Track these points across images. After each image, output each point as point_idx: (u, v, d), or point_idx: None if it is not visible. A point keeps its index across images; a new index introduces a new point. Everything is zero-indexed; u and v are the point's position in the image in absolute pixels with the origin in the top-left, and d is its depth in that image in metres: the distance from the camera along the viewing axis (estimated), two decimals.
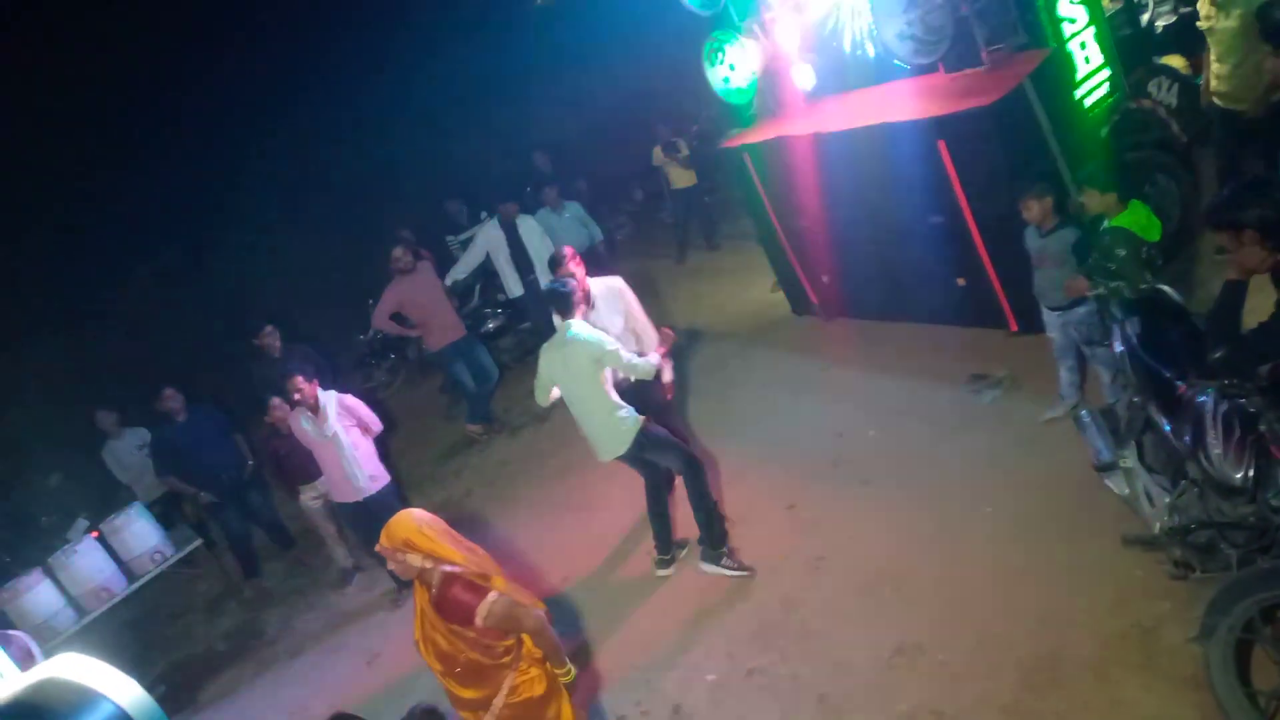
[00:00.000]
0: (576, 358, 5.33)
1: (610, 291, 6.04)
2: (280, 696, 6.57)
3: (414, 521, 3.56)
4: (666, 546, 5.83)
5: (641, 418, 5.47)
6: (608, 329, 5.74)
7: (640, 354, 5.55)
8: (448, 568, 3.47)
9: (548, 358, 5.50)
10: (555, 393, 5.62)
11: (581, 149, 14.13)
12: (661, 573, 5.83)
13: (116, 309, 14.96)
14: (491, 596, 3.46)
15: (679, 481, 5.79)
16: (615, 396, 5.45)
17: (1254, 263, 3.27)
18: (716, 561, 5.59)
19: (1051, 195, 5.09)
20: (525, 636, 3.66)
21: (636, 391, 5.85)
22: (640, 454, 5.51)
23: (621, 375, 5.60)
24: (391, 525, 3.55)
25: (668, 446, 5.55)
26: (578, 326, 5.37)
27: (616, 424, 5.41)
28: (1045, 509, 4.88)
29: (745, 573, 5.52)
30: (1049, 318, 5.39)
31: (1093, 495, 4.57)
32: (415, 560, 3.47)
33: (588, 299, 5.76)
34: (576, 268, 5.86)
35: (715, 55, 7.52)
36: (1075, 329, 5.24)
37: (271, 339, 8.18)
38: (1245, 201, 3.22)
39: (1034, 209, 5.12)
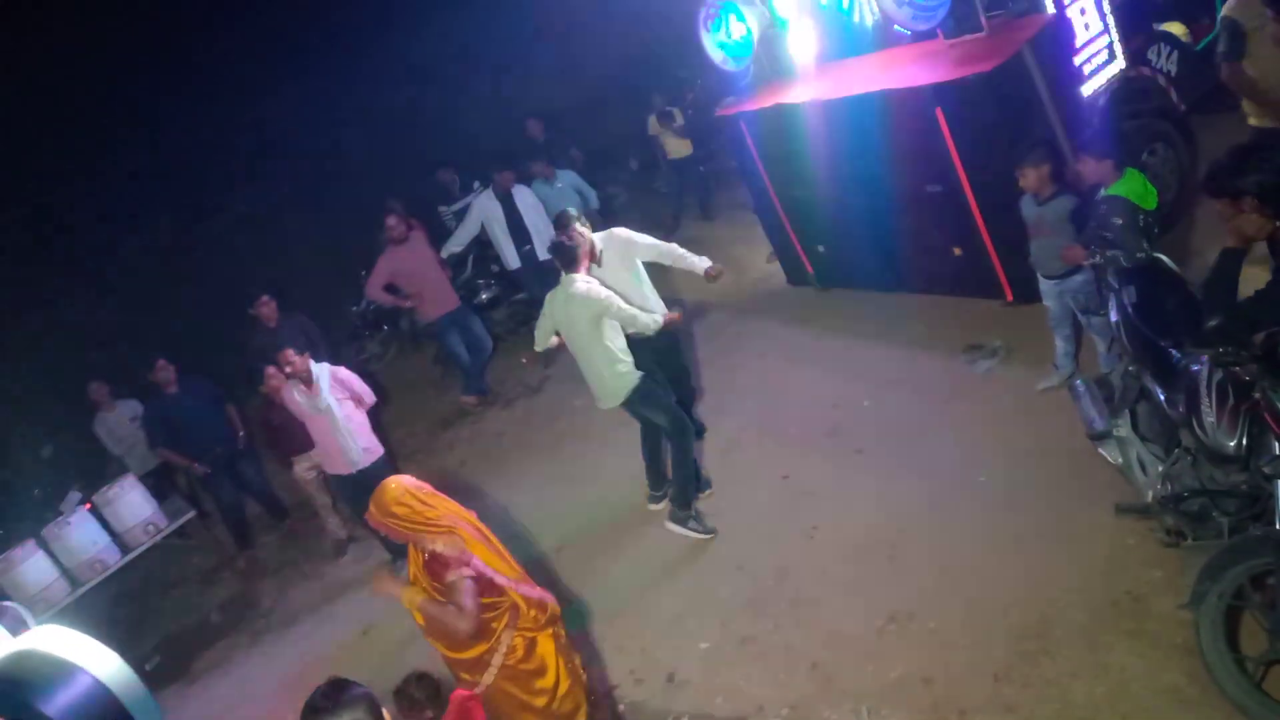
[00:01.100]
0: (577, 312, 5.41)
1: (614, 241, 6.02)
2: (275, 666, 6.59)
3: (401, 486, 3.56)
4: (659, 484, 6.03)
5: (640, 373, 5.55)
6: (615, 284, 5.77)
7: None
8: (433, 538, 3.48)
9: (551, 305, 5.61)
10: (554, 340, 5.77)
11: (576, 118, 14.02)
12: (653, 507, 6.05)
13: (108, 281, 14.89)
14: (465, 571, 3.45)
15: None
16: (617, 349, 5.49)
17: (1252, 230, 3.24)
18: (683, 523, 5.74)
19: (1048, 163, 5.05)
20: (518, 600, 3.65)
21: (654, 356, 5.92)
22: (634, 408, 5.65)
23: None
24: (379, 494, 3.54)
25: (660, 406, 5.65)
26: (580, 282, 5.41)
27: (614, 377, 5.51)
28: (1039, 478, 4.88)
29: (707, 535, 5.68)
30: (1045, 286, 5.36)
31: (1086, 464, 4.57)
32: (399, 530, 3.48)
33: (593, 254, 5.78)
34: (582, 227, 5.84)
35: (712, 22, 7.43)
36: (1072, 298, 5.21)
37: (268, 309, 8.13)
38: (1244, 168, 3.18)
39: (1030, 177, 5.08)
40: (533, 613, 3.70)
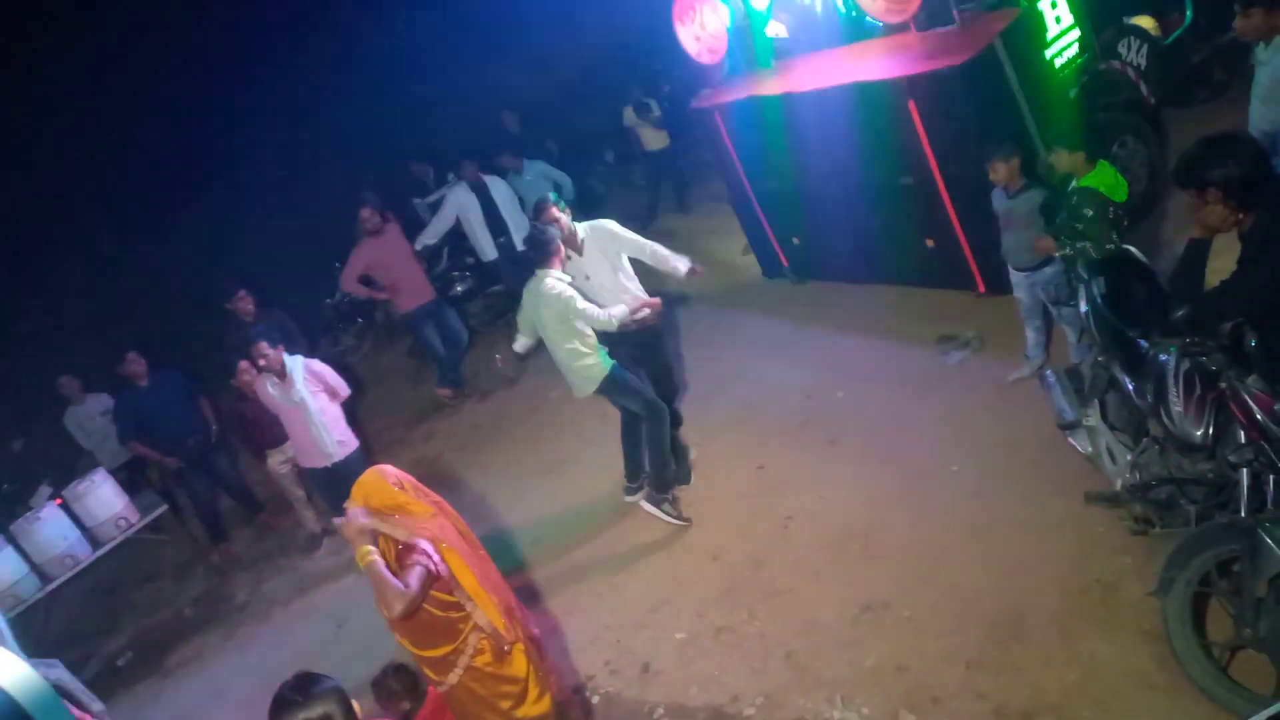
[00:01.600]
0: (544, 310, 5.45)
1: (598, 232, 5.88)
2: (249, 661, 6.55)
3: (383, 477, 3.54)
4: (635, 475, 6.00)
5: (611, 363, 5.57)
6: (593, 274, 5.79)
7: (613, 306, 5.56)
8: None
9: (526, 299, 5.63)
10: (523, 343, 5.81)
11: (552, 110, 13.96)
12: (628, 499, 6.00)
13: (79, 273, 14.71)
14: (424, 560, 3.41)
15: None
16: (583, 345, 5.48)
17: (1216, 221, 3.28)
18: (658, 505, 5.81)
19: (1018, 156, 5.09)
20: (485, 602, 3.62)
21: (632, 352, 5.91)
22: (607, 397, 5.68)
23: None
24: (362, 481, 3.53)
25: (632, 392, 5.66)
26: (550, 280, 5.42)
27: (582, 370, 5.53)
28: (1010, 468, 4.93)
29: (681, 523, 5.74)
30: (1016, 279, 5.41)
31: (1057, 454, 4.63)
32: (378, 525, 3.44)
33: (574, 242, 5.78)
34: (559, 214, 5.81)
35: (687, 15, 7.43)
36: (1042, 289, 5.26)
37: (244, 303, 8.05)
38: (1210, 160, 3.22)
39: (1000, 170, 5.12)
40: (501, 623, 3.66)
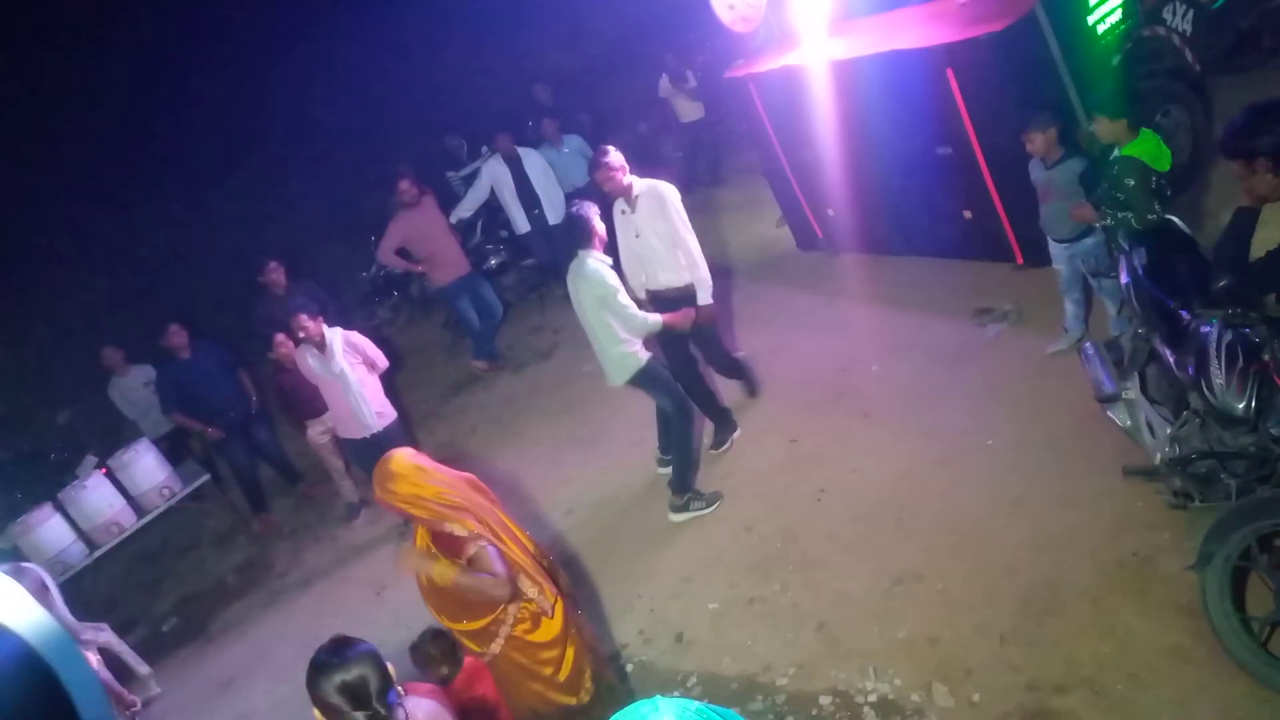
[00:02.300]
0: (584, 292, 5.35)
1: (655, 193, 5.75)
2: (290, 627, 6.69)
3: (402, 461, 3.53)
4: (670, 447, 5.94)
5: (648, 355, 5.50)
6: (647, 232, 5.75)
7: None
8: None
9: (569, 281, 5.50)
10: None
11: (584, 81, 13.91)
12: (661, 470, 6.06)
13: (122, 247, 14.92)
14: (483, 540, 3.45)
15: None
16: (625, 329, 5.38)
17: (1265, 190, 3.22)
18: (685, 509, 5.70)
19: (1055, 126, 5.01)
20: (524, 572, 3.65)
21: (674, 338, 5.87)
22: (640, 388, 5.61)
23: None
24: (379, 470, 3.51)
25: (665, 389, 5.61)
26: (592, 263, 5.30)
27: (619, 357, 5.45)
28: (1047, 441, 4.89)
29: (712, 507, 5.69)
30: (1056, 250, 5.34)
31: (1095, 427, 4.58)
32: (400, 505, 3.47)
33: (628, 196, 5.75)
34: (616, 168, 5.67)
35: None
36: (1082, 261, 5.19)
37: (276, 275, 8.15)
38: (1259, 128, 3.15)
39: (1038, 141, 5.04)
40: (538, 589, 3.70)
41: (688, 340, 6.05)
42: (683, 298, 5.80)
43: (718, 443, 6.22)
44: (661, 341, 5.87)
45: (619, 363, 5.47)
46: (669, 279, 5.85)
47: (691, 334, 5.95)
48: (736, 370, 6.49)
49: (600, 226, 5.39)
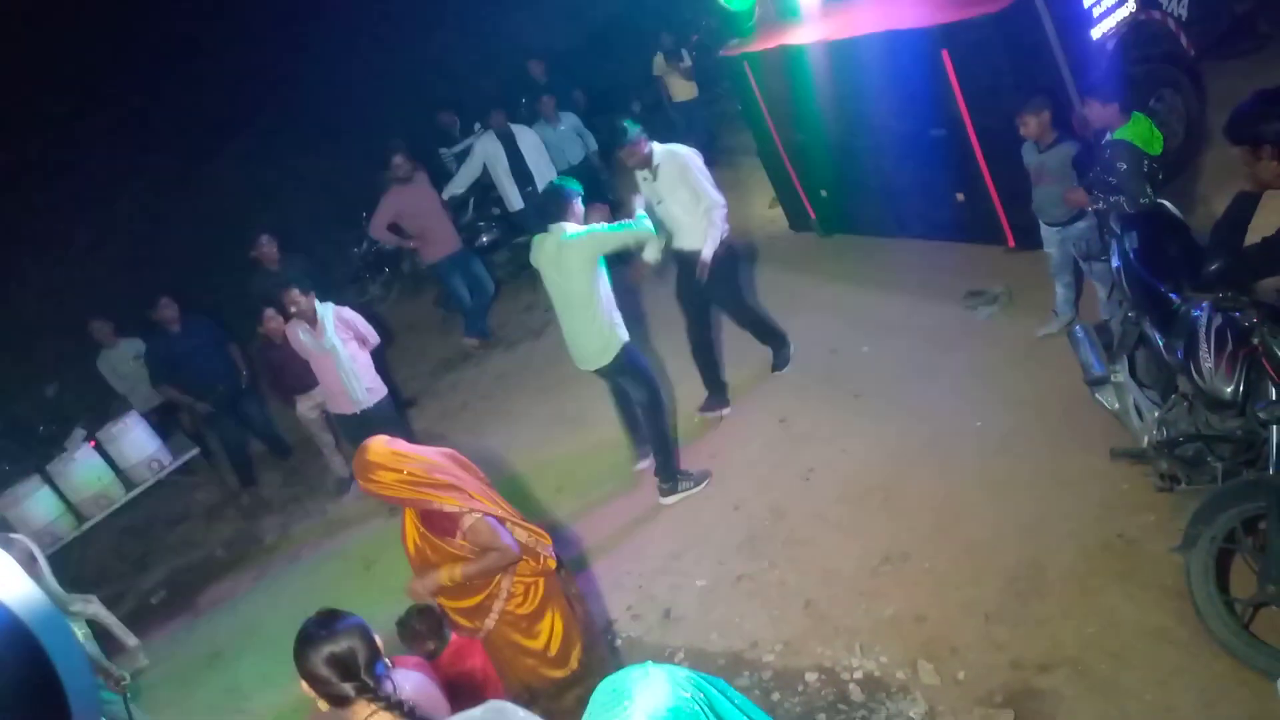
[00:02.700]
0: (573, 259, 5.14)
1: (675, 159, 5.80)
2: (278, 601, 6.70)
3: (379, 449, 3.52)
4: (643, 440, 5.94)
5: (627, 337, 5.40)
6: (670, 199, 5.79)
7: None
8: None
9: (538, 253, 5.31)
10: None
11: (578, 59, 13.82)
12: (639, 466, 6.03)
13: (111, 219, 14.81)
14: (474, 515, 3.47)
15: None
16: (610, 307, 5.29)
17: (1269, 177, 3.21)
18: (675, 491, 5.69)
19: (1049, 109, 5.01)
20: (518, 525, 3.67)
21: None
22: (616, 374, 5.51)
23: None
24: (359, 459, 3.51)
25: (642, 374, 5.52)
26: (568, 226, 5.16)
27: (603, 335, 5.28)
28: (1035, 423, 4.92)
29: (702, 485, 5.70)
30: (1047, 233, 5.35)
31: (1083, 410, 4.60)
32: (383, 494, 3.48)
33: (649, 164, 5.80)
34: (638, 140, 5.75)
35: None
36: (1074, 244, 5.21)
37: (269, 249, 8.10)
38: (1267, 115, 3.15)
39: (1031, 124, 5.04)
40: (528, 559, 3.71)
41: (707, 300, 6.16)
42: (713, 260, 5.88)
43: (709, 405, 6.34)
44: (681, 296, 6.08)
45: (603, 340, 5.29)
46: (691, 242, 5.92)
47: (710, 293, 6.03)
48: (765, 332, 6.45)
49: (580, 209, 5.26)
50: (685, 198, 5.79)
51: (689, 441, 6.19)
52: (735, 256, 6.26)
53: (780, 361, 6.47)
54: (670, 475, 5.70)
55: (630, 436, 6.06)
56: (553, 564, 3.76)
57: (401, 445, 3.59)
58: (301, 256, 8.64)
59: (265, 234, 8.16)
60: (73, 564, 7.86)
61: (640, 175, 5.95)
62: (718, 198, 5.84)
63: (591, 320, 5.27)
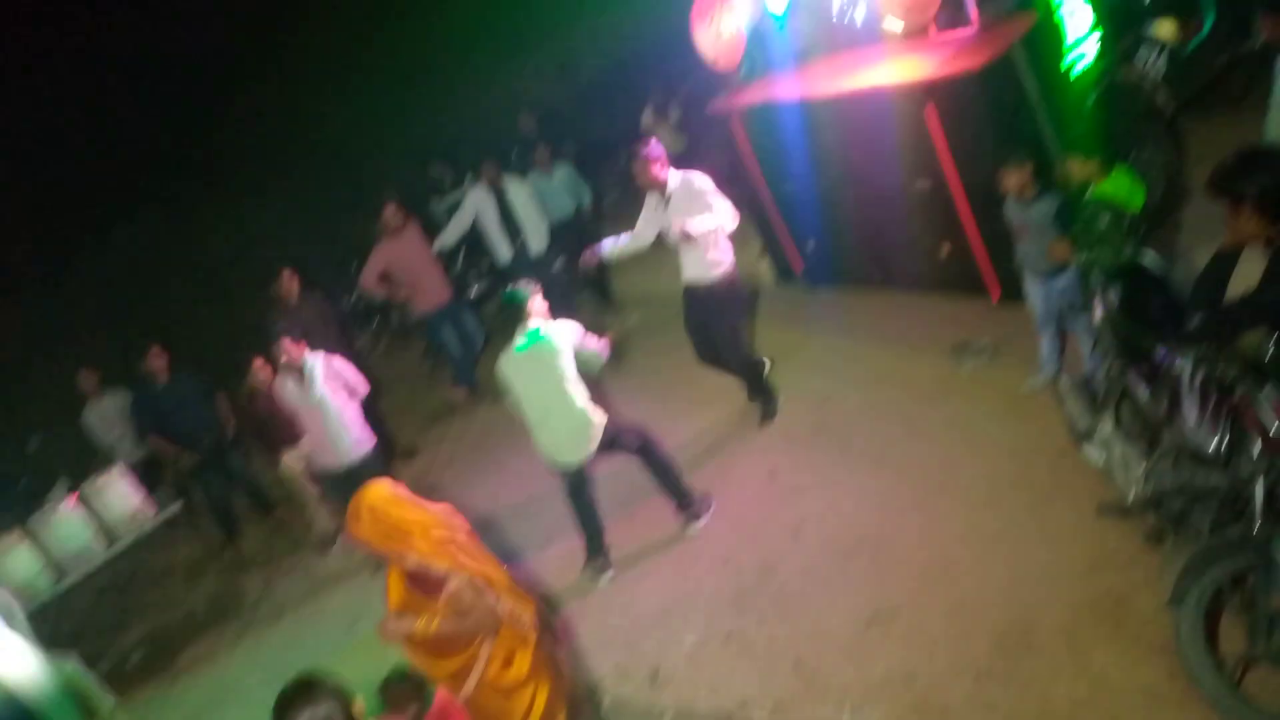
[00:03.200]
0: (549, 355, 5.19)
1: (688, 187, 5.87)
2: (259, 661, 6.58)
3: (380, 493, 3.51)
4: (599, 545, 5.73)
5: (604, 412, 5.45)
6: (673, 225, 5.83)
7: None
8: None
9: (511, 367, 5.28)
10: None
11: (569, 113, 13.99)
12: (603, 577, 5.70)
13: (98, 270, 14.83)
14: (459, 578, 3.43)
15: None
16: (583, 391, 5.33)
17: (1249, 234, 3.25)
18: (698, 518, 5.74)
19: (1030, 164, 5.07)
20: (501, 587, 3.63)
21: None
22: (606, 450, 5.46)
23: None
24: (355, 507, 3.48)
25: (628, 432, 5.56)
26: (539, 328, 5.22)
27: (585, 420, 5.31)
28: (1023, 477, 4.90)
29: (711, 509, 5.77)
30: (1032, 287, 5.38)
31: (1070, 464, 4.60)
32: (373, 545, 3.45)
33: (664, 190, 5.85)
34: (655, 158, 5.83)
35: (706, 18, 7.43)
36: (1058, 297, 5.24)
37: (290, 285, 8.07)
38: (1247, 172, 3.18)
39: (1013, 179, 5.10)
40: (512, 625, 3.67)
41: (710, 331, 6.28)
42: (710, 294, 6.06)
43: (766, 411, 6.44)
44: (688, 325, 6.29)
45: (588, 420, 5.31)
46: (695, 273, 6.04)
47: (712, 324, 6.14)
48: (755, 380, 6.49)
49: (539, 304, 5.28)
50: (694, 225, 5.82)
51: None
52: (738, 294, 6.38)
53: (767, 414, 6.47)
54: (689, 502, 5.72)
55: (589, 540, 5.73)
56: (534, 637, 3.70)
57: (404, 493, 3.58)
58: (320, 294, 8.63)
59: (287, 269, 8.12)
60: (50, 622, 7.72)
61: (651, 201, 6.02)
62: (726, 216, 5.90)
63: (576, 405, 5.29)
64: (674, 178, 5.92)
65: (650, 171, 5.86)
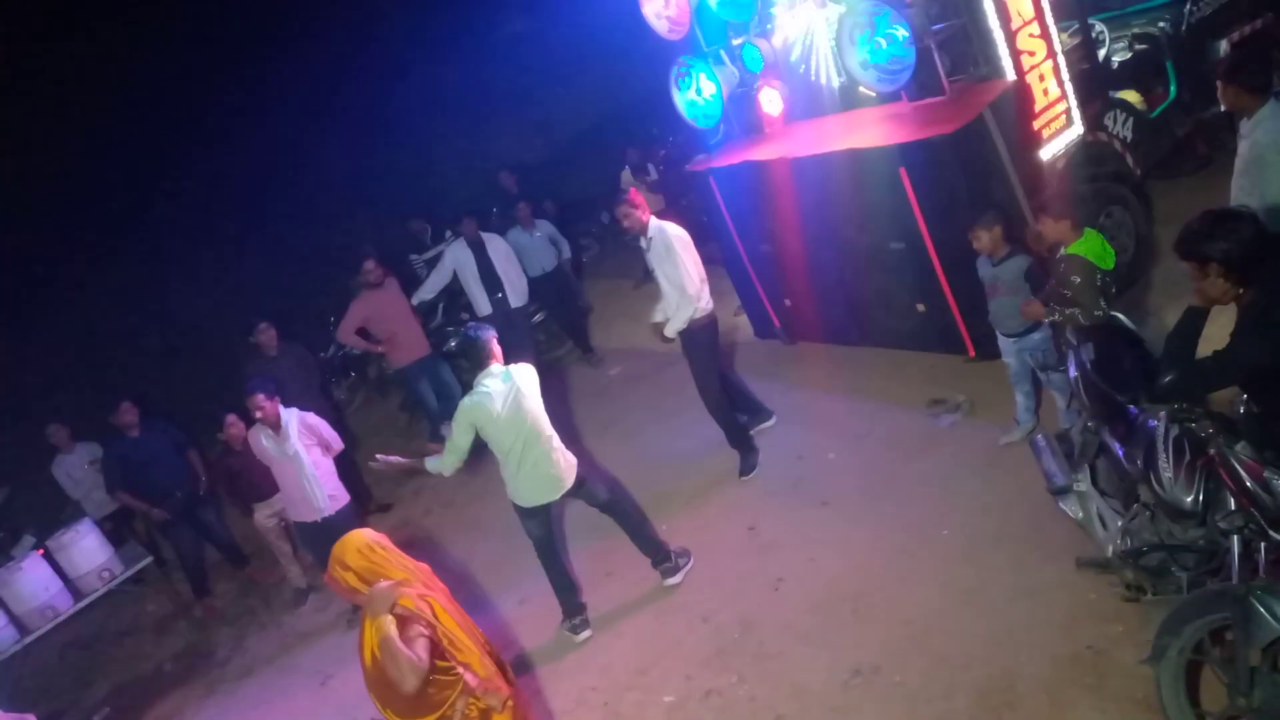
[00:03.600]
0: (526, 388, 5.21)
1: (664, 235, 6.14)
2: (228, 719, 6.42)
3: (362, 540, 3.49)
4: (575, 604, 5.69)
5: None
6: (654, 271, 6.27)
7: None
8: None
9: (487, 409, 5.13)
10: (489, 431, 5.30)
11: (548, 171, 14.17)
12: (580, 637, 5.61)
13: (69, 322, 14.69)
14: (425, 630, 3.38)
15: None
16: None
17: (1215, 294, 3.32)
18: (676, 571, 5.72)
19: (1000, 224, 5.18)
20: (476, 665, 3.57)
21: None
22: (579, 491, 5.51)
23: None
24: (338, 549, 3.46)
25: (598, 482, 5.69)
26: (505, 366, 5.25)
27: (565, 454, 5.39)
28: (1001, 532, 4.92)
29: (689, 564, 5.77)
30: (1004, 344, 5.47)
31: (1048, 518, 4.62)
32: (355, 584, 3.41)
33: (645, 233, 6.14)
34: (637, 204, 6.15)
35: (683, 80, 7.59)
36: (1031, 355, 5.32)
37: (267, 336, 8.04)
38: (1213, 235, 3.27)
39: (984, 238, 5.21)
40: (485, 689, 3.60)
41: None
42: (689, 336, 6.26)
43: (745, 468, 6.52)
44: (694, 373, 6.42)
45: (565, 457, 5.38)
46: (675, 318, 6.22)
47: (693, 369, 6.33)
48: (734, 430, 6.57)
49: (497, 349, 5.29)
50: (670, 273, 6.14)
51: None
52: (714, 343, 6.52)
53: (746, 467, 6.51)
54: (666, 554, 5.71)
55: (563, 597, 5.67)
56: (510, 701, 3.63)
57: (385, 541, 3.57)
58: (300, 345, 8.60)
59: (264, 321, 8.10)
60: (11, 680, 7.52)
61: (641, 242, 6.29)
62: (692, 285, 6.12)
63: (553, 441, 5.34)
64: (653, 225, 6.18)
65: (634, 215, 6.15)
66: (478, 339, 5.25)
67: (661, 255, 6.15)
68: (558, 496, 5.42)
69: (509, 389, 5.16)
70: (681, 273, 6.10)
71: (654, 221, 6.21)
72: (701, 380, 6.48)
